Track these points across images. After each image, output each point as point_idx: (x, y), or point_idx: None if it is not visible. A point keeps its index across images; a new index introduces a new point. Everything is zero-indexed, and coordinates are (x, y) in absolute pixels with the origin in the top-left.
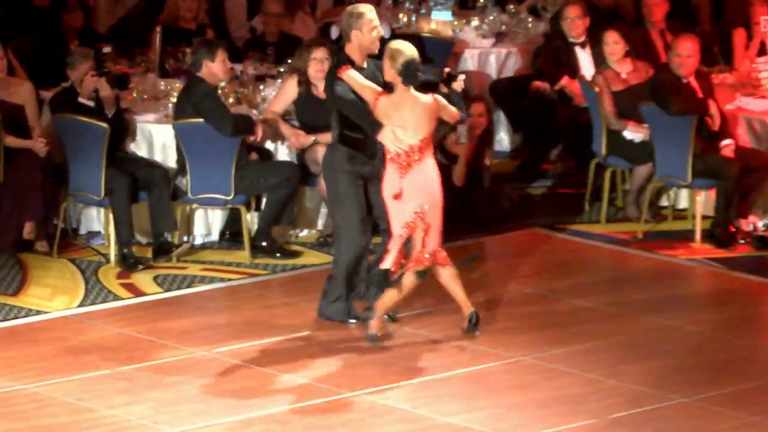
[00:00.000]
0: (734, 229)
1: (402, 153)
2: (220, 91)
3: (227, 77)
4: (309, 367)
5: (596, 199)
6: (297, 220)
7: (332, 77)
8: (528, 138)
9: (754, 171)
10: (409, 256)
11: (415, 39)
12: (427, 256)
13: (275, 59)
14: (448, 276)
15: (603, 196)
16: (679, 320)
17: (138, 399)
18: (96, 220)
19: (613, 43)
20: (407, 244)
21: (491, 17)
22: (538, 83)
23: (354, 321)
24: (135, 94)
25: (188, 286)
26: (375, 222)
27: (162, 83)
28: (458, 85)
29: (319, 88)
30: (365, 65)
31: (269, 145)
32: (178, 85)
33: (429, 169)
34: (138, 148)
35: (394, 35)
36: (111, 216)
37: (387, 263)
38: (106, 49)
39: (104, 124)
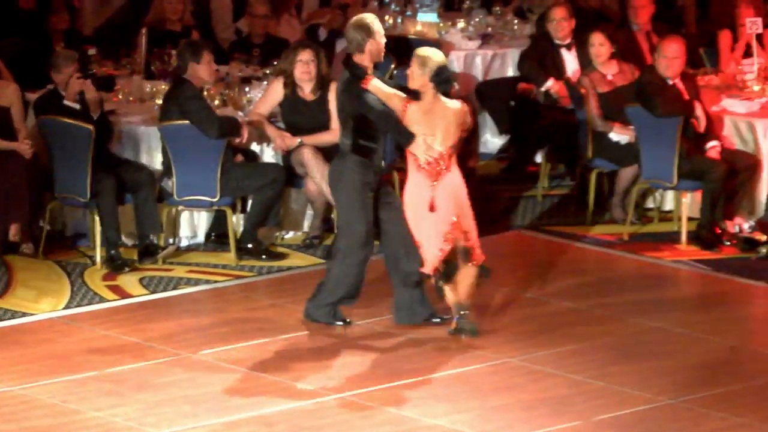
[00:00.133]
0: (720, 231)
1: (432, 162)
2: (205, 93)
3: (213, 79)
4: (296, 369)
5: (582, 201)
6: (283, 222)
7: (356, 88)
8: (514, 140)
9: (739, 172)
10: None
11: (402, 41)
12: (479, 251)
13: (261, 61)
14: (470, 274)
15: (589, 198)
16: (665, 322)
17: (124, 401)
18: (82, 222)
19: (599, 44)
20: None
21: (477, 19)
22: (523, 85)
23: (340, 323)
24: (121, 96)
25: (174, 288)
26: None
27: (147, 85)
28: (455, 90)
29: (305, 90)
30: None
31: (255, 147)
32: (163, 87)
33: (457, 178)
34: (124, 150)
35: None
36: (97, 218)
37: (427, 269)
38: (91, 51)
39: (90, 126)
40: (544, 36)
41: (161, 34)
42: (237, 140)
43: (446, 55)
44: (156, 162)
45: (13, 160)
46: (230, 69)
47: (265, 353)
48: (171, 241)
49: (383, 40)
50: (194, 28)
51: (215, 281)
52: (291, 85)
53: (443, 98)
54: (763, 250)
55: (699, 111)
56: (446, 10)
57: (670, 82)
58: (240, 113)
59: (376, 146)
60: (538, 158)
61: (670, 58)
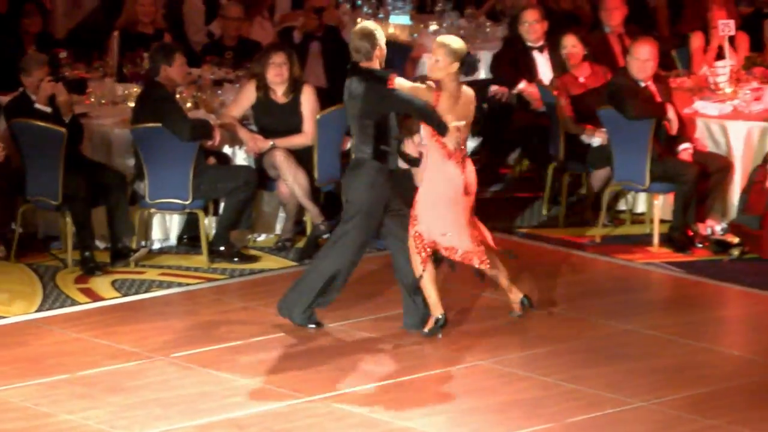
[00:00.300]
0: (692, 233)
1: (459, 149)
2: (178, 96)
3: (185, 82)
4: (267, 372)
5: (554, 204)
6: (255, 225)
7: (382, 90)
8: (486, 142)
9: (711, 175)
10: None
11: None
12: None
13: (233, 63)
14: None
15: (561, 200)
16: (637, 324)
17: (96, 404)
18: (54, 225)
19: (572, 47)
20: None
21: (449, 21)
22: (496, 87)
23: (313, 326)
24: (93, 99)
25: (146, 291)
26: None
27: (120, 88)
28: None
29: (278, 93)
30: None
31: (227, 149)
32: (135, 89)
33: (469, 165)
34: (96, 153)
35: None
36: (69, 221)
37: (460, 256)
38: (62, 54)
39: (63, 129)
40: (517, 38)
41: (133, 36)
42: (209, 143)
43: (419, 57)
44: (128, 165)
45: None
46: (202, 71)
47: (237, 356)
48: (143, 243)
49: (385, 47)
50: (166, 30)
51: (187, 284)
52: (263, 87)
53: (464, 86)
54: (735, 252)
55: (671, 113)
56: (419, 12)
57: (643, 85)
58: (212, 116)
59: (389, 149)
60: (511, 160)
61: (642, 61)
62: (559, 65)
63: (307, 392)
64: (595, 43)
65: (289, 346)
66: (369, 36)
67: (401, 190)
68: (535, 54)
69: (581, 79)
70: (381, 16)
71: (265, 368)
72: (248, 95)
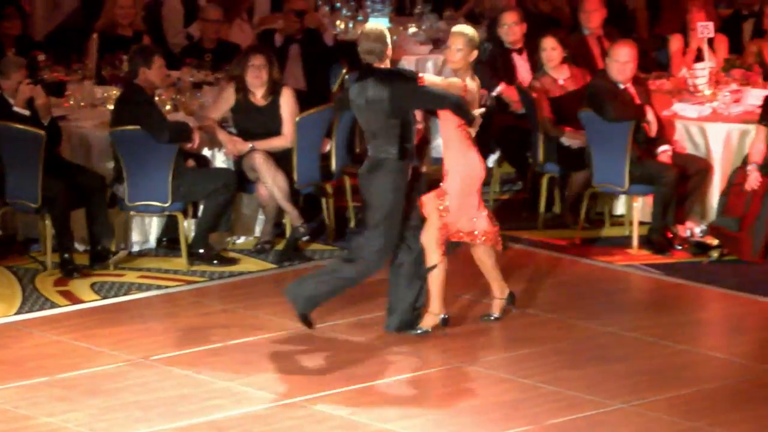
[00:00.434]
0: (671, 235)
1: (475, 136)
2: (157, 98)
3: (164, 84)
4: (247, 374)
5: (533, 206)
6: (234, 227)
7: (412, 87)
8: None
9: (691, 177)
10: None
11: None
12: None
13: (212, 66)
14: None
15: (540, 202)
16: (617, 326)
17: (76, 406)
18: (34, 227)
19: (551, 49)
20: None
21: (428, 24)
22: None
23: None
24: (72, 102)
25: (125, 294)
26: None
27: (99, 90)
28: None
29: (257, 96)
30: None
31: (206, 152)
32: (114, 92)
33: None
34: (75, 155)
35: (336, 41)
36: (48, 223)
37: (484, 238)
38: (41, 57)
39: (42, 132)
40: (496, 41)
41: (112, 39)
42: (188, 145)
43: (398, 60)
44: (107, 167)
45: None
46: (182, 74)
47: (216, 358)
48: (122, 246)
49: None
50: (145, 33)
51: (166, 286)
52: (243, 90)
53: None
54: (714, 254)
55: (650, 115)
56: (398, 14)
57: (622, 87)
58: (191, 118)
59: (411, 147)
60: (490, 163)
61: (621, 63)
62: (539, 67)
63: (286, 394)
64: (574, 45)
65: (269, 349)
66: (381, 37)
67: (419, 190)
68: (514, 56)
69: (560, 82)
70: (360, 18)
71: (244, 370)
72: (227, 98)
